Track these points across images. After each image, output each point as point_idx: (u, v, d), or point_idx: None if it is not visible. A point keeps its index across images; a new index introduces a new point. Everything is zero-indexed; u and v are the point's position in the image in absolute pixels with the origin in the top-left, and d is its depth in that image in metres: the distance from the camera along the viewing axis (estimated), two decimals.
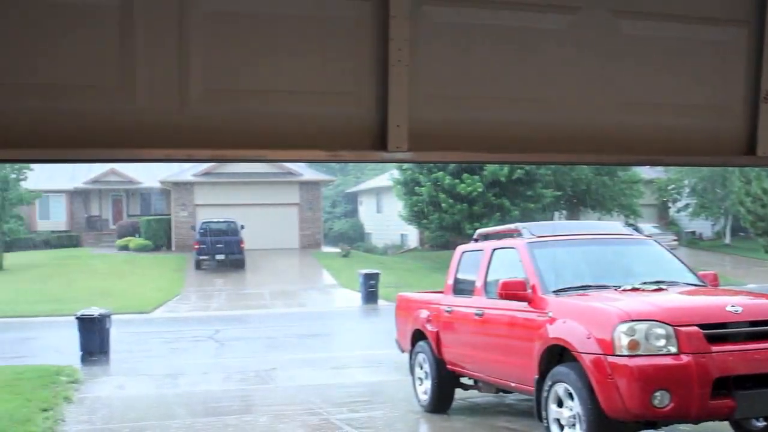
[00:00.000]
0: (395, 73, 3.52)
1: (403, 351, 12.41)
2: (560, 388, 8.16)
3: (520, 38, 3.66)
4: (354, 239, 51.41)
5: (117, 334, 18.29)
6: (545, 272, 9.25)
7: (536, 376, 8.53)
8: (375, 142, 3.57)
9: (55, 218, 49.52)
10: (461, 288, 10.98)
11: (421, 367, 11.42)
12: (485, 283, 10.25)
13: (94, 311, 17.12)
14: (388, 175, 46.24)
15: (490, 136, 3.67)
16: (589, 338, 7.81)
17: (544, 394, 8.36)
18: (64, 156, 3.68)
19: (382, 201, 51.47)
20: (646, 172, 45.42)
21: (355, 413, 11.47)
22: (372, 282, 27.56)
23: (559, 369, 8.21)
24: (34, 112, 3.43)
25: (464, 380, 11.04)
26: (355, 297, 28.68)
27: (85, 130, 3.45)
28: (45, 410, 11.54)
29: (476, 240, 11.44)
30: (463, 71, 3.62)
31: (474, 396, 11.58)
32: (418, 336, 11.60)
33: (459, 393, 11.26)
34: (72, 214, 49.92)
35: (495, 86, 3.66)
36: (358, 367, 15.36)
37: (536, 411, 8.58)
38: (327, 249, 45.48)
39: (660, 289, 8.82)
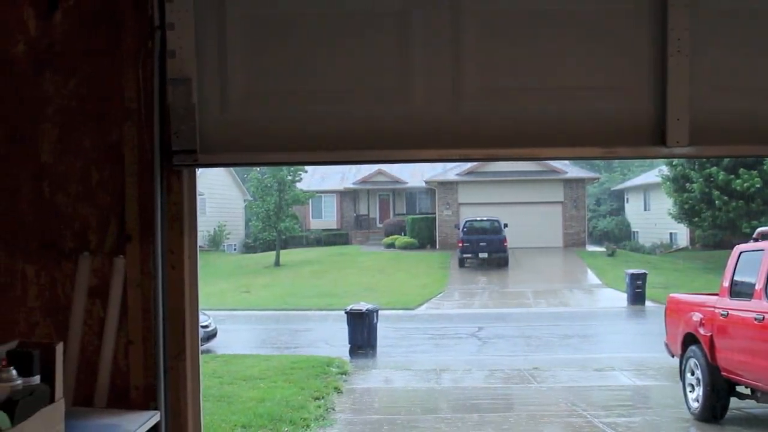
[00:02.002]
0: (675, 64, 3.31)
1: (672, 355, 11.87)
2: None
3: None
4: (620, 238, 49.88)
5: (383, 329, 18.89)
6: None
7: None
8: (653, 138, 3.40)
9: (327, 217, 52.09)
10: (739, 290, 10.36)
11: (693, 373, 10.85)
12: (766, 286, 9.60)
13: (363, 306, 17.75)
14: (656, 171, 44.44)
15: None
16: None
17: None
18: (344, 158, 3.82)
19: (649, 198, 49.54)
20: None
21: (620, 417, 11.07)
22: (639, 282, 26.62)
23: None
24: (316, 118, 3.58)
25: (740, 389, 10.39)
26: (621, 297, 27.81)
27: (365, 132, 3.55)
28: (317, 399, 12.14)
29: (756, 239, 10.74)
30: (747, 59, 3.35)
31: (751, 406, 10.85)
32: (689, 340, 11.05)
33: (734, 402, 10.59)
34: (342, 213, 52.25)
35: None
36: (624, 370, 14.83)
37: None
38: (591, 248, 44.46)
39: None
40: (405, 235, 45.36)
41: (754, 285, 9.92)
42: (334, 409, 11.75)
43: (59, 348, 3.05)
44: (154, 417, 3.60)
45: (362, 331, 17.38)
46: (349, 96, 3.59)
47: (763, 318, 9.39)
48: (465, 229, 38.41)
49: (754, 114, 3.37)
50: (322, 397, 12.30)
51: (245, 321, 24.77)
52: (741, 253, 10.74)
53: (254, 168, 40.43)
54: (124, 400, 3.68)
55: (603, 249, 42.31)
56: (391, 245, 44.58)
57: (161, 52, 3.64)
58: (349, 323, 17.47)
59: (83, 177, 3.72)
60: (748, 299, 9.98)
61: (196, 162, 3.67)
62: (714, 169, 34.29)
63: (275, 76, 3.65)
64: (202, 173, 40.14)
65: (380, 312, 18.52)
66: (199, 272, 3.92)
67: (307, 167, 41.92)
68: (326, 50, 3.59)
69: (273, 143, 3.66)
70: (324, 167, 50.21)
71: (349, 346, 17.38)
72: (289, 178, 40.24)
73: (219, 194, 48.75)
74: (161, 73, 3.65)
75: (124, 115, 3.68)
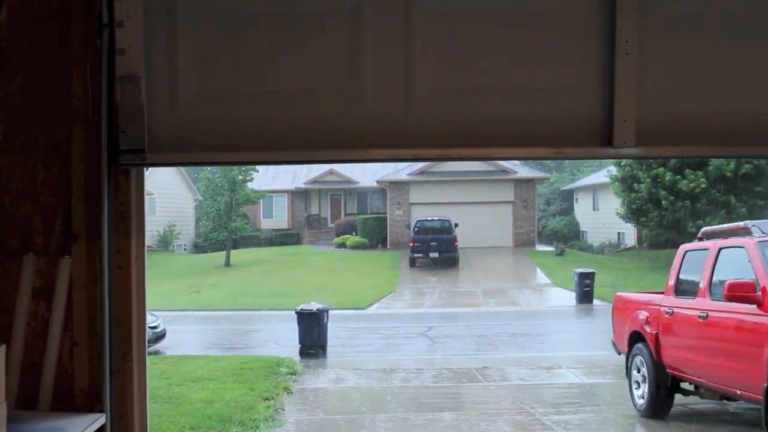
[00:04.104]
0: (622, 66, 3.37)
1: (619, 353, 12.04)
2: None
3: (756, 24, 3.39)
4: (569, 237, 50.45)
5: (333, 329, 18.87)
6: None
7: (766, 384, 7.99)
8: (601, 138, 3.45)
9: (278, 217, 51.92)
10: (684, 289, 10.55)
11: (639, 371, 11.02)
12: (710, 284, 9.80)
13: (313, 306, 17.71)
14: (605, 172, 45.01)
15: (724, 129, 3.43)
16: None
17: None
18: (295, 158, 3.81)
19: (598, 198, 50.17)
20: None
21: (567, 415, 11.20)
22: (587, 281, 26.96)
23: None
24: (268, 118, 3.57)
25: (685, 385, 10.57)
26: (570, 296, 28.14)
27: (316, 132, 3.55)
28: (266, 399, 12.10)
29: (701, 239, 10.92)
30: (694, 61, 3.42)
31: (695, 402, 11.04)
32: (636, 338, 11.22)
33: (679, 399, 10.79)
34: (293, 213, 52.11)
35: (730, 75, 3.43)
36: (571, 368, 15.01)
37: (764, 421, 8.06)
38: (541, 247, 44.90)
39: None
40: (356, 234, 45.39)
41: (698, 284, 10.10)
42: (283, 410, 11.72)
43: (1, 350, 3.00)
44: (99, 419, 3.56)
45: (312, 331, 17.35)
46: (301, 96, 3.59)
47: (707, 316, 9.56)
48: (416, 229, 38.56)
49: (699, 116, 3.44)
50: (272, 398, 12.26)
51: (195, 321, 24.59)
52: (686, 252, 10.92)
53: (205, 167, 40.18)
54: (68, 402, 3.63)
55: (552, 248, 42.77)
56: (342, 245, 44.58)
57: (110, 49, 3.60)
58: (299, 323, 17.43)
59: (28, 176, 3.66)
60: (692, 298, 10.15)
61: (144, 161, 3.63)
62: (661, 169, 34.82)
63: (226, 76, 3.64)
64: (151, 172, 39.78)
65: (331, 312, 18.49)
66: (147, 272, 3.89)
67: (258, 167, 41.73)
68: (278, 49, 3.58)
69: (224, 143, 3.64)
70: (275, 167, 50.06)
71: (299, 346, 17.34)
72: (240, 177, 40.04)
73: (169, 194, 48.32)
74: (110, 71, 3.61)
75: (71, 113, 3.64)
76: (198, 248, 49.36)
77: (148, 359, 4.01)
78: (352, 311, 26.11)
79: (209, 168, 40.77)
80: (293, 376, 14.37)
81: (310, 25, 3.54)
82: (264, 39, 3.58)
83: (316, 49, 3.55)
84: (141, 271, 3.81)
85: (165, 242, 47.61)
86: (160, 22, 3.61)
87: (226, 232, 40.71)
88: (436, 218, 39.26)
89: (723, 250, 9.90)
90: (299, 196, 51.83)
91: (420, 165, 42.91)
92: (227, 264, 38.98)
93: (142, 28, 3.57)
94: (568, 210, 57.67)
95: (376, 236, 45.05)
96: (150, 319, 16.85)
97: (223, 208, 39.96)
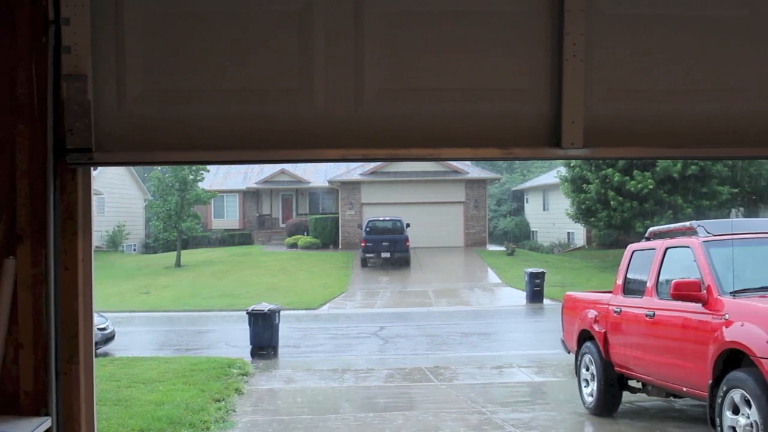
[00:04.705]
0: (570, 68, 3.40)
1: (569, 352, 12.17)
2: (736, 395, 7.73)
3: (699, 27, 3.45)
4: (519, 237, 50.89)
5: (285, 330, 18.81)
6: (721, 272, 8.82)
7: (710, 381, 8.14)
8: (549, 139, 3.48)
9: (229, 217, 51.61)
10: (631, 288, 10.67)
11: (588, 369, 11.14)
12: (657, 283, 9.93)
13: (264, 306, 17.63)
14: (555, 173, 45.47)
15: (669, 130, 3.49)
16: None
17: (719, 400, 7.95)
18: (247, 157, 3.79)
19: (548, 199, 50.68)
20: None
21: (518, 413, 11.29)
22: (537, 281, 27.22)
23: (736, 374, 7.79)
24: (219, 117, 3.55)
25: (632, 383, 10.71)
26: (520, 296, 28.38)
27: (268, 132, 3.54)
28: (217, 401, 12.01)
29: (648, 238, 11.06)
30: (640, 64, 3.46)
31: (642, 400, 11.20)
32: (585, 336, 11.34)
33: (626, 396, 10.94)
34: (244, 213, 51.83)
35: (674, 78, 3.48)
36: (522, 367, 15.14)
37: (709, 417, 8.19)
38: (492, 247, 45.22)
39: None
40: (308, 235, 45.29)
41: (645, 283, 10.23)
42: (234, 411, 11.64)
43: None
44: (44, 423, 3.50)
45: (264, 332, 17.26)
46: (251, 95, 3.57)
47: (654, 314, 9.69)
48: (368, 229, 38.61)
49: (646, 117, 3.48)
50: (223, 399, 12.17)
51: (145, 323, 24.34)
52: (634, 252, 11.05)
53: (155, 167, 39.77)
54: (13, 406, 3.57)
55: (503, 248, 43.09)
56: (293, 245, 44.45)
57: (56, 47, 3.55)
58: (250, 324, 17.33)
59: None
60: (639, 296, 10.28)
61: (91, 161, 3.59)
62: (610, 170, 35.28)
63: (176, 74, 3.61)
64: (100, 172, 39.29)
65: (282, 312, 18.43)
66: (94, 273, 3.84)
67: (209, 166, 41.45)
68: (228, 48, 3.56)
69: (174, 142, 3.61)
70: (227, 166, 49.74)
71: (250, 347, 17.24)
72: (191, 177, 39.71)
73: (118, 193, 47.77)
74: (56, 69, 3.56)
75: (16, 111, 3.58)
76: (148, 249, 48.88)
77: (96, 361, 3.96)
78: (303, 311, 26.06)
79: (159, 167, 40.38)
80: (244, 377, 14.28)
81: (260, 25, 3.53)
82: (214, 38, 3.56)
83: (267, 49, 3.54)
84: (88, 272, 3.76)
85: (114, 243, 47.06)
86: (108, 19, 3.56)
87: (176, 232, 40.34)
88: (387, 218, 39.36)
89: (669, 250, 10.04)
90: (250, 196, 51.56)
91: (372, 165, 42.97)
92: (178, 265, 38.66)
93: (89, 26, 3.53)
94: (519, 210, 58.18)
95: (327, 236, 45.00)
96: (99, 321, 16.68)
97: (174, 208, 39.57)
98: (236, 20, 3.54)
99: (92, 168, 3.77)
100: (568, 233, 47.40)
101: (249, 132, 3.55)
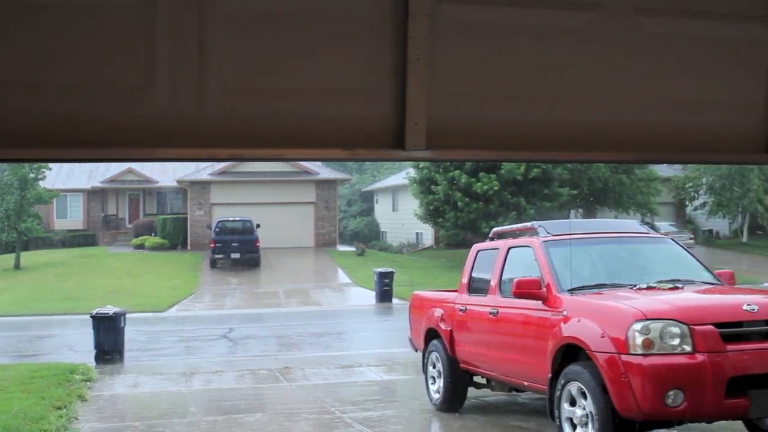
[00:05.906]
0: (414, 71, 3.47)
1: (416, 350, 12.36)
2: (573, 387, 8.08)
3: (538, 35, 3.60)
4: (369, 238, 51.40)
5: (131, 333, 18.33)
6: (560, 271, 9.16)
7: (549, 375, 8.45)
8: (393, 141, 3.53)
9: (73, 217, 49.77)
10: (476, 287, 10.91)
11: (434, 366, 11.35)
12: (500, 282, 10.18)
13: (109, 309, 17.13)
14: (404, 174, 46.19)
15: (509, 134, 3.61)
16: (603, 337, 7.72)
17: (557, 392, 8.28)
18: (86, 156, 3.68)
19: (397, 199, 51.43)
20: (663, 170, 45.14)
21: (367, 412, 11.41)
22: (386, 280, 27.57)
23: (573, 368, 8.13)
24: (55, 113, 3.43)
25: (477, 379, 10.96)
26: (370, 295, 28.68)
27: (106, 130, 3.45)
28: (59, 408, 11.56)
29: (492, 238, 11.34)
30: (481, 69, 3.57)
31: (487, 395, 11.51)
32: (431, 335, 11.53)
33: (472, 392, 11.19)
34: (89, 213, 50.12)
35: (514, 84, 3.60)
36: (371, 366, 15.31)
37: (549, 410, 8.51)
38: (342, 248, 45.48)
39: (676, 288, 8.71)
40: (155, 235, 44.26)
41: (489, 281, 10.47)
42: (77, 419, 11.25)
43: None
44: None
45: (109, 336, 16.75)
46: (91, 92, 3.47)
47: (497, 312, 9.97)
48: (217, 230, 38.13)
49: (487, 120, 3.59)
50: (65, 407, 11.73)
51: None
52: (478, 251, 11.30)
53: None
54: None
55: (353, 249, 43.41)
56: (140, 246, 43.35)
57: None
58: (94, 328, 16.78)
59: None
60: (484, 295, 10.51)
61: None
62: (457, 172, 36.16)
63: (12, 68, 3.47)
64: None
65: (128, 315, 17.94)
66: None
67: (51, 164, 39.85)
68: (66, 42, 3.44)
69: (7, 139, 3.48)
70: (70, 165, 47.95)
71: (95, 351, 16.70)
72: (32, 175, 38.05)
73: None
74: None
75: None
76: None
77: None
78: (150, 314, 25.49)
79: None
80: (88, 383, 13.82)
81: (102, 18, 3.44)
82: (52, 30, 3.43)
83: (106, 42, 3.45)
84: None
85: None
86: None
87: (15, 233, 38.59)
88: (237, 219, 38.99)
89: (512, 249, 10.34)
90: (95, 195, 49.90)
91: (221, 165, 42.44)
92: (17, 267, 37.07)
93: None
94: (369, 211, 58.75)
95: (176, 237, 44.12)
96: None
97: (13, 208, 37.82)
98: (75, 13, 3.43)
99: None
100: (417, 233, 48.26)
101: (87, 129, 3.45)
